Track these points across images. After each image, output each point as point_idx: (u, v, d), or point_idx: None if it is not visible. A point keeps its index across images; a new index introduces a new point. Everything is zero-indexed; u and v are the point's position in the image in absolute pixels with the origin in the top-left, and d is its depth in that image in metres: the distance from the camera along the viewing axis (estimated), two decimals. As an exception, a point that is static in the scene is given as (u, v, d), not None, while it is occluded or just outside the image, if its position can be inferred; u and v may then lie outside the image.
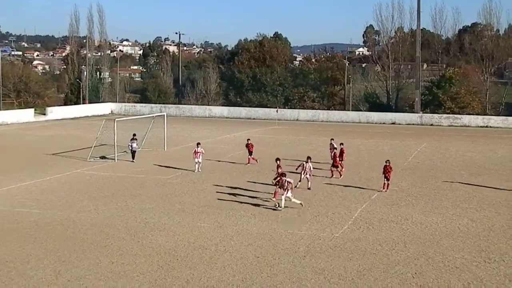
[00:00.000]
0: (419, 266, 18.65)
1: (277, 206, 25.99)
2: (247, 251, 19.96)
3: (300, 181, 30.42)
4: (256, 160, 38.18)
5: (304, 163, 30.85)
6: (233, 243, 20.95)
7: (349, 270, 18.13)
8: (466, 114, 79.61)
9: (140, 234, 21.93)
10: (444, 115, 77.13)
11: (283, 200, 25.91)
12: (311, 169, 30.87)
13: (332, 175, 34.33)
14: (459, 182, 33.16)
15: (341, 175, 34.02)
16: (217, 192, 29.35)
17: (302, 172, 30.74)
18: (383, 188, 30.37)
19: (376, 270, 18.18)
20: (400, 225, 23.75)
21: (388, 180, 30.48)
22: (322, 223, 23.90)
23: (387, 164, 30.57)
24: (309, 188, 30.16)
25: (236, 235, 21.91)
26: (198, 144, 36.64)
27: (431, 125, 73.59)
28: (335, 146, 38.30)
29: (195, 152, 35.81)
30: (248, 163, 38.07)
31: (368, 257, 19.44)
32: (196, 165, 35.45)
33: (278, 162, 31.00)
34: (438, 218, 24.87)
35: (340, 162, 34.75)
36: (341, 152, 36.20)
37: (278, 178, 26.89)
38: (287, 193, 25.84)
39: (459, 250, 20.33)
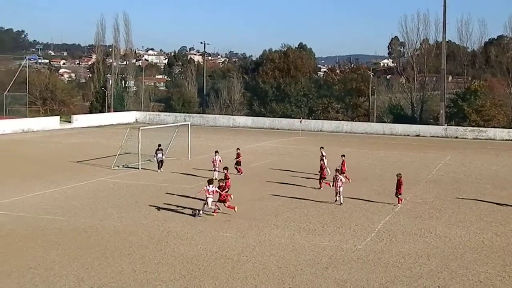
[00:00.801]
0: (442, 279, 18.51)
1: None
2: (269, 261, 19.94)
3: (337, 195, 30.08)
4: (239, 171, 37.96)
5: (337, 175, 30.38)
6: (255, 253, 20.95)
7: (371, 283, 18.04)
8: (491, 127, 79.04)
9: (163, 243, 22.00)
10: (469, 128, 76.62)
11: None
12: (342, 181, 30.05)
13: (321, 187, 33.89)
14: (484, 196, 32.89)
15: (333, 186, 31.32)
16: (239, 201, 29.34)
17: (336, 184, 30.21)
18: (398, 203, 29.95)
19: (399, 283, 18.07)
20: (424, 238, 23.60)
21: (400, 194, 30.04)
22: (345, 234, 23.82)
23: (399, 177, 30.13)
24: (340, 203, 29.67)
25: (258, 245, 21.90)
26: (216, 152, 37.10)
27: (456, 137, 73.13)
28: (324, 154, 37.62)
29: (213, 161, 36.28)
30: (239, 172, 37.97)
31: (391, 270, 19.33)
32: (214, 173, 35.34)
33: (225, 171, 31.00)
34: (462, 231, 24.68)
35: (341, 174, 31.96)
36: (342, 164, 35.66)
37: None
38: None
39: (483, 264, 20.15)
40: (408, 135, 74.55)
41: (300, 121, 75.45)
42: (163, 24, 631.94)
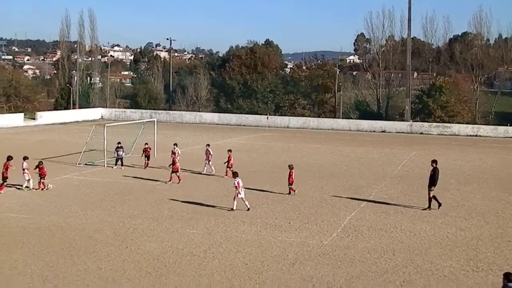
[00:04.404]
0: (407, 274, 18.66)
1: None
2: (236, 258, 19.92)
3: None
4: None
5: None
6: (222, 249, 20.91)
7: (337, 278, 18.11)
8: (456, 123, 79.99)
9: (129, 240, 21.85)
10: (434, 124, 77.45)
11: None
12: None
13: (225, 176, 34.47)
14: (448, 191, 33.24)
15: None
16: (207, 198, 29.26)
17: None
18: (289, 193, 30.68)
19: (365, 278, 18.18)
20: (389, 233, 23.77)
21: (290, 184, 30.75)
22: (311, 230, 23.88)
23: (291, 169, 30.77)
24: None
25: (225, 242, 21.86)
26: (175, 144, 37.58)
27: (421, 133, 73.84)
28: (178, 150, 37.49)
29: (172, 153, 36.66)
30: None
31: (357, 265, 19.44)
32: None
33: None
34: (427, 226, 24.91)
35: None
36: (229, 158, 36.17)
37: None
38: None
39: (448, 259, 20.36)
40: (374, 131, 75.08)
41: (267, 118, 75.56)
42: (129, 20, 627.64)
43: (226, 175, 35.21)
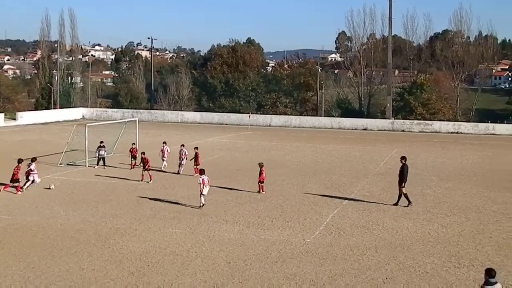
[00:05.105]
0: (390, 271, 18.73)
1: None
2: (219, 257, 19.90)
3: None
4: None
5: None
6: (205, 248, 20.88)
7: (320, 276, 18.15)
8: (437, 120, 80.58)
9: (111, 240, 21.76)
10: (415, 121, 77.84)
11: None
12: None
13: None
14: (430, 188, 33.43)
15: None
16: (189, 197, 29.20)
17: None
18: (260, 191, 30.75)
19: (347, 275, 18.23)
20: (371, 230, 23.85)
21: (260, 182, 30.90)
22: (293, 228, 23.91)
23: (261, 166, 30.94)
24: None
25: (207, 241, 21.83)
26: (164, 142, 38.92)
27: (403, 131, 74.16)
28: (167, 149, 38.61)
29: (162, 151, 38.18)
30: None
31: (339, 262, 19.49)
32: (163, 164, 37.99)
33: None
34: (409, 223, 25.02)
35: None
36: (196, 156, 36.33)
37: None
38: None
39: (430, 255, 20.46)
40: (356, 129, 75.30)
41: (249, 116, 75.55)
42: (110, 19, 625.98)
43: (195, 173, 35.11)
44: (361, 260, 19.78)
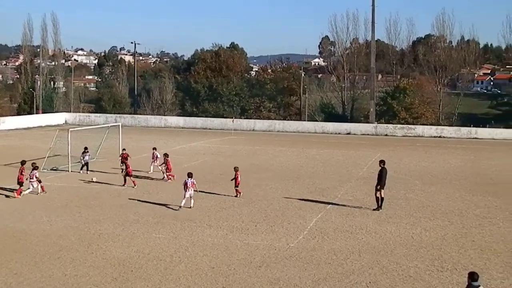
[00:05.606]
0: (373, 275, 18.78)
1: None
2: (202, 262, 19.86)
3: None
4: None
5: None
6: (188, 253, 20.83)
7: (304, 280, 18.16)
8: (420, 124, 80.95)
9: (94, 246, 21.66)
10: (399, 126, 78.13)
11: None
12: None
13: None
14: (413, 192, 33.56)
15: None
16: (173, 202, 29.12)
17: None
18: (236, 195, 30.89)
19: (331, 280, 18.25)
20: (355, 234, 23.90)
21: (237, 186, 31.04)
22: (277, 233, 23.91)
23: (236, 171, 31.06)
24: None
25: (191, 246, 21.79)
26: (154, 148, 39.38)
27: (386, 135, 74.42)
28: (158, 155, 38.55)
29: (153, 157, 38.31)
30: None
31: (323, 267, 19.51)
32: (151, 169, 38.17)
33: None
34: (392, 227, 25.10)
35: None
36: (167, 163, 36.03)
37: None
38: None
39: (413, 259, 20.53)
40: (339, 133, 75.49)
41: (233, 121, 75.56)
42: (92, 24, 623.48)
43: (168, 179, 35.52)
44: (344, 264, 19.82)
